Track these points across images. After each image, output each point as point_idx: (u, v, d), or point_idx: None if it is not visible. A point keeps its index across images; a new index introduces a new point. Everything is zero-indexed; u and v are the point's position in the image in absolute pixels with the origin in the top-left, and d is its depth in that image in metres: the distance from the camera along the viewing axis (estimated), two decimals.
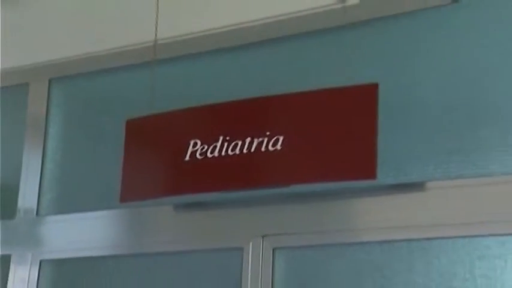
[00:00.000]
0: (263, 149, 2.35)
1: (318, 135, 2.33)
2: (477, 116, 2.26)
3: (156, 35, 2.72)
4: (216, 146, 2.43)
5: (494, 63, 2.29)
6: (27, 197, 3.02)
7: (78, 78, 3.10)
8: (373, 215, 2.32)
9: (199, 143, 2.46)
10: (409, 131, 2.37)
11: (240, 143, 2.39)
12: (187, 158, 2.47)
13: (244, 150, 2.38)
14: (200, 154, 2.45)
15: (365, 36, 2.53)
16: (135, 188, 2.60)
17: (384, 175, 2.22)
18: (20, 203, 3.03)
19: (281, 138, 2.33)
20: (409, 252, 2.24)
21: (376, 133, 2.21)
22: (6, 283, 2.97)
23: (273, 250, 2.46)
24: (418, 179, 2.27)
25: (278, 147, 2.33)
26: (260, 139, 2.36)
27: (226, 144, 2.42)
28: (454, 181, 2.22)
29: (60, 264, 2.94)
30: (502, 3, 2.38)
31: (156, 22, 2.71)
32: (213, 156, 2.44)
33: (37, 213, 2.98)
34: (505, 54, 2.30)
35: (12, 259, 2.96)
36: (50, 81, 3.13)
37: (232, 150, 2.40)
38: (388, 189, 2.29)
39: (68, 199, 2.99)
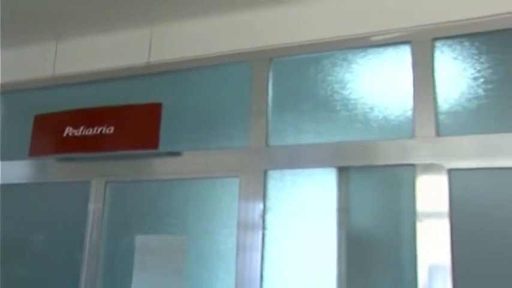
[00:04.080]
0: (103, 132, 3.22)
1: (132, 127, 3.18)
2: (209, 120, 3.04)
3: (53, 70, 3.61)
4: (79, 130, 3.31)
5: (220, 101, 3.05)
6: None
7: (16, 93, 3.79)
8: (157, 167, 3.12)
9: (71, 128, 3.34)
10: (178, 126, 3.10)
11: (92, 129, 3.27)
12: (64, 135, 3.35)
13: (94, 132, 3.25)
14: (71, 134, 3.33)
15: (163, 80, 3.26)
16: (37, 149, 3.46)
17: (162, 147, 3.06)
18: None
19: (113, 128, 3.21)
20: (178, 185, 3.05)
21: (159, 126, 3.08)
22: None
23: (105, 183, 3.25)
24: (179, 150, 3.06)
25: (112, 131, 3.22)
26: (102, 127, 3.23)
27: (85, 129, 3.29)
28: (197, 152, 3.03)
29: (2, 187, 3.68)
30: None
31: (54, 62, 3.62)
32: (78, 135, 3.31)
33: None
34: (230, 97, 3.05)
35: None
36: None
37: (88, 132, 3.27)
38: (164, 154, 3.08)
39: (5, 154, 3.72)
